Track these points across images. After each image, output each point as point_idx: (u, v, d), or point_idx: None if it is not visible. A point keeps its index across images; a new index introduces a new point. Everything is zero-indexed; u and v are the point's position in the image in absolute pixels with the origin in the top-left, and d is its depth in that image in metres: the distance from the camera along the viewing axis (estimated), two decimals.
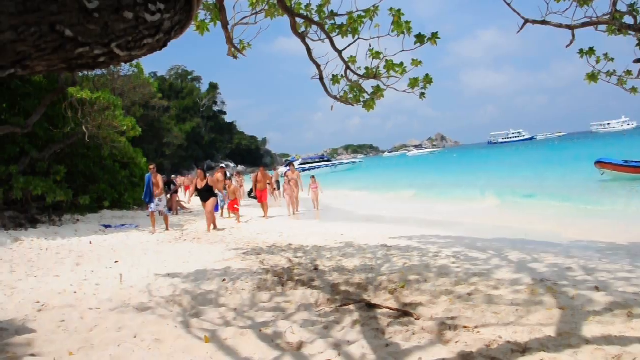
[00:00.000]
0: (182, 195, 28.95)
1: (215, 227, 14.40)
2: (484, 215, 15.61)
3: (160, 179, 14.44)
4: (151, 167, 14.58)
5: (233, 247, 10.63)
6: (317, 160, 79.92)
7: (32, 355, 4.34)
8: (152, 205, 14.45)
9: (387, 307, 5.06)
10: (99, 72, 26.79)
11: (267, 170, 36.72)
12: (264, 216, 17.55)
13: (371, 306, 5.16)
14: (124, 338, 4.68)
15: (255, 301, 5.83)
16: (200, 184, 14.51)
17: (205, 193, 14.41)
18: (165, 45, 1.62)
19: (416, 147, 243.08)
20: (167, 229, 14.64)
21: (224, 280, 7.08)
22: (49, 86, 17.33)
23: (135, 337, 4.71)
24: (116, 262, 9.43)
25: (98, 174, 19.00)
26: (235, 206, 17.04)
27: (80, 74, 21.14)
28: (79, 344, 4.59)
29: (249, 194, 18.45)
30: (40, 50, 1.22)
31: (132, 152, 20.90)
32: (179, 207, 22.36)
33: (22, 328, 5.19)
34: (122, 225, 16.09)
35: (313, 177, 20.72)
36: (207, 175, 14.72)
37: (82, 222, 15.79)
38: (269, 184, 19.26)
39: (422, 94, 6.92)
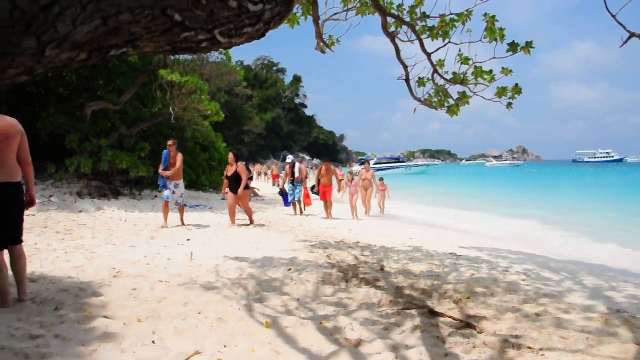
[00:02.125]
0: (254, 182, 29.50)
1: (233, 223, 12.68)
2: (559, 234, 15.00)
3: (179, 158, 11.87)
4: (170, 143, 11.92)
5: (301, 239, 10.76)
6: (392, 160, 79.36)
7: (105, 317, 4.61)
8: (166, 192, 11.80)
9: (450, 317, 4.99)
10: (189, 56, 27.75)
11: (341, 167, 36.71)
12: (326, 217, 15.79)
13: (434, 313, 5.11)
14: (189, 313, 4.87)
15: (319, 294, 5.89)
16: (230, 170, 12.70)
17: (233, 182, 12.61)
18: (263, 35, 1.69)
19: (495, 157, 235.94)
20: (181, 222, 12.12)
21: (289, 269, 7.19)
22: (142, 67, 18.08)
23: (199, 313, 4.89)
24: (188, 239, 9.77)
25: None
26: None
27: (172, 57, 21.97)
28: (147, 312, 4.83)
29: (312, 189, 17.11)
30: (150, 32, 1.31)
31: (213, 136, 21.54)
32: (252, 194, 22.90)
33: (97, 290, 5.51)
34: (197, 205, 16.65)
35: (382, 179, 19.55)
36: (239, 162, 12.73)
37: (160, 198, 16.47)
38: (340, 180, 18.97)
39: (509, 104, 6.75)
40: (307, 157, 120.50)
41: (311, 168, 41.40)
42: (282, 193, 17.57)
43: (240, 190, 12.45)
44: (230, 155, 12.86)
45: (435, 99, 7.76)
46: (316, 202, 19.01)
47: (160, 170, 11.78)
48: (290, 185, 16.51)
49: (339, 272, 7.14)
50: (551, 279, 7.21)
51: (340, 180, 19.20)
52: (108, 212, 13.20)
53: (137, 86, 16.54)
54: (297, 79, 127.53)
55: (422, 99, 7.73)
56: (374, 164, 71.89)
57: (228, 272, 6.87)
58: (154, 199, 16.14)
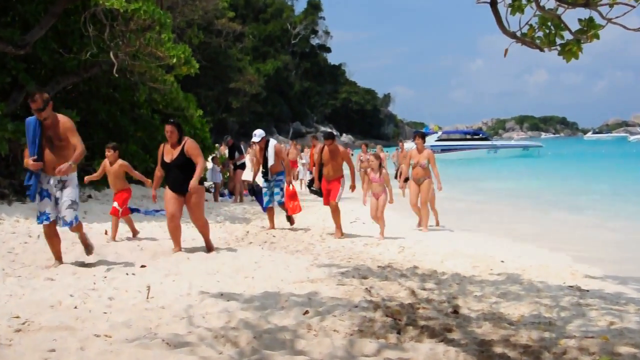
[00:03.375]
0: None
1: (178, 247, 11.63)
2: None
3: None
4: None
5: (325, 262, 10.69)
6: (468, 136, 78.69)
7: None
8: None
9: None
10: None
11: (379, 148, 36.43)
12: (339, 236, 14.50)
13: None
14: None
15: (354, 352, 5.77)
16: (170, 153, 11.39)
17: (177, 173, 11.29)
18: None
19: None
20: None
21: (306, 312, 7.09)
22: None
23: None
24: (142, 266, 9.73)
25: (127, 128, 19.64)
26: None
27: None
28: None
29: (309, 186, 16.08)
30: None
31: (182, 100, 21.55)
32: (245, 191, 22.88)
33: None
34: (157, 211, 16.65)
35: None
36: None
37: (96, 200, 16.49)
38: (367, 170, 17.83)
39: None
40: (335, 132, 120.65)
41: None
42: (253, 190, 17.15)
43: (192, 185, 10.91)
44: (169, 127, 11.27)
45: (541, 34, 7.62)
46: (315, 206, 18.84)
47: (28, 160, 9.27)
48: (264, 179, 15.54)
49: (387, 316, 7.02)
50: None
51: (366, 169, 18.59)
52: (7, 224, 13.20)
53: (55, 17, 16.27)
54: (314, 6, 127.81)
55: (518, 33, 7.57)
56: (436, 140, 71.47)
57: (208, 317, 6.78)
58: (86, 201, 16.17)
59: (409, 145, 29.71)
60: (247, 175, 23.20)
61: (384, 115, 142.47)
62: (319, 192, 15.23)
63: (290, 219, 15.82)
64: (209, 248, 11.65)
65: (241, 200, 21.70)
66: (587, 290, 8.96)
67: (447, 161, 59.55)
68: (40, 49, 16.78)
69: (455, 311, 7.44)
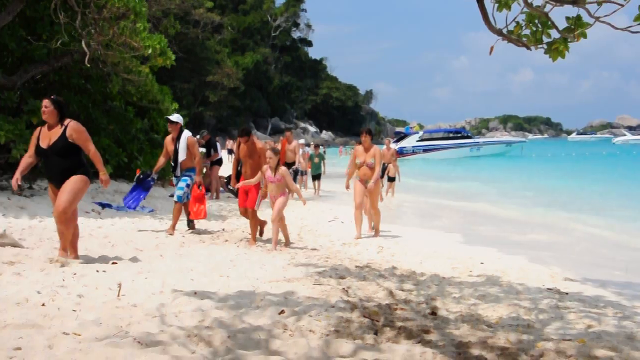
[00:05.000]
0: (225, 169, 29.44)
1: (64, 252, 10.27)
2: None
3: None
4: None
5: (302, 262, 10.71)
6: (451, 134, 79.06)
7: None
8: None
9: None
10: None
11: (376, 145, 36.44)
12: (252, 244, 13.00)
13: None
14: None
15: (330, 353, 5.79)
16: (46, 138, 9.48)
17: (55, 164, 9.57)
18: None
19: (632, 129, 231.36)
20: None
21: (282, 312, 7.10)
22: None
23: None
24: (114, 263, 9.72)
25: (99, 120, 19.43)
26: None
27: None
28: None
29: (227, 184, 15.63)
30: None
31: (157, 92, 21.45)
32: (222, 188, 22.86)
33: None
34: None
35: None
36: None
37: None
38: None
39: None
40: (312, 129, 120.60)
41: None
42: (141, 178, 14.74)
43: (104, 179, 9.71)
44: (46, 102, 9.54)
45: (527, 31, 7.65)
46: (291, 204, 18.88)
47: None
48: (172, 173, 14.73)
49: (364, 316, 7.05)
50: None
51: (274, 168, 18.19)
52: None
53: (23, 2, 15.97)
54: None
55: (504, 30, 7.60)
56: (418, 140, 71.75)
57: (181, 316, 6.77)
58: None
59: (393, 145, 29.74)
60: (223, 171, 23.21)
61: (366, 113, 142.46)
62: (234, 192, 14.63)
63: (191, 222, 14.41)
64: (72, 251, 9.92)
65: (217, 197, 21.61)
66: (566, 293, 9.02)
67: (429, 161, 59.77)
68: (7, 35, 16.54)
69: (433, 312, 7.48)
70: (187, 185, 13.89)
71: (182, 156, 13.87)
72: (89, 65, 16.01)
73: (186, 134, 14.02)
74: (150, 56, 17.80)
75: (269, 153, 12.56)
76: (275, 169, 12.54)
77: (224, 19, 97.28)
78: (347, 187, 15.23)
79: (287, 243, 12.91)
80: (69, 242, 9.75)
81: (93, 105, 19.47)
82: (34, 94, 17.11)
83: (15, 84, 16.22)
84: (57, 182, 9.41)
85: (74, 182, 9.29)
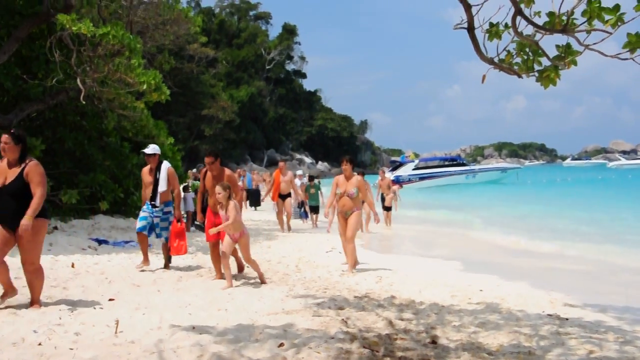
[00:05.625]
0: None
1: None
2: None
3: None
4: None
5: (300, 293, 10.68)
6: (446, 162, 79.41)
7: None
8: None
9: None
10: None
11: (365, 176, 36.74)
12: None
13: None
14: None
15: None
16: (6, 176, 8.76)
17: (8, 202, 8.73)
18: None
19: (625, 154, 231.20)
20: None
21: (281, 344, 7.08)
22: (26, 8, 17.67)
23: None
24: (111, 299, 9.67)
25: (95, 156, 19.43)
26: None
27: None
28: None
29: (193, 218, 14.20)
30: None
31: (153, 127, 21.45)
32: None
33: None
34: (126, 242, 16.51)
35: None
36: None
37: (63, 231, 16.31)
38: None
39: None
40: (308, 160, 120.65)
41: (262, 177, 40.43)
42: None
43: (24, 223, 8.45)
44: (5, 138, 8.68)
45: (518, 60, 7.67)
46: (290, 235, 18.77)
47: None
48: (149, 205, 13.44)
49: (364, 347, 7.04)
50: None
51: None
52: None
53: (18, 41, 16.11)
54: (289, 31, 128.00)
55: (495, 59, 7.63)
56: (414, 168, 71.98)
57: (179, 352, 6.76)
58: (52, 233, 16.03)
59: (389, 174, 29.63)
60: None
61: (361, 142, 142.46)
62: (202, 227, 12.96)
63: (169, 260, 13.54)
64: (33, 302, 9.04)
65: None
66: (567, 319, 8.98)
67: (425, 189, 59.83)
68: (3, 75, 16.65)
69: (434, 341, 7.45)
70: (170, 223, 13.29)
71: (162, 187, 13.30)
72: (84, 102, 16.11)
73: (166, 164, 13.56)
74: (145, 92, 17.62)
75: (217, 188, 11.43)
76: (226, 206, 11.41)
77: (218, 53, 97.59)
78: (326, 214, 14.75)
79: (262, 279, 11.94)
80: (35, 289, 9.05)
81: (89, 142, 19.45)
82: (29, 132, 17.07)
83: (11, 123, 16.08)
84: (9, 224, 8.56)
85: (31, 234, 8.44)
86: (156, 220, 13.14)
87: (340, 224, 14.00)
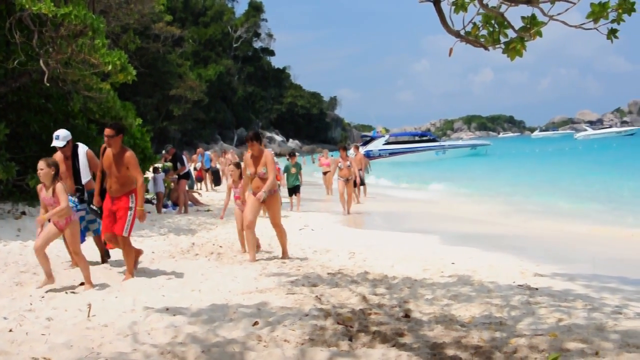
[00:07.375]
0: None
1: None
2: None
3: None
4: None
5: (274, 272, 10.69)
6: (416, 138, 79.61)
7: None
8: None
9: None
10: None
11: (330, 153, 36.83)
12: (127, 278, 10.42)
13: None
14: None
15: None
16: None
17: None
18: None
19: (592, 124, 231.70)
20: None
21: (255, 323, 7.11)
22: None
23: None
24: (82, 283, 9.62)
25: None
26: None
27: None
28: None
29: (88, 202, 11.37)
30: None
31: (120, 109, 21.26)
32: (190, 202, 22.76)
33: None
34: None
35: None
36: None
37: (31, 216, 16.15)
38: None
39: (612, 32, 6.68)
40: (279, 138, 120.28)
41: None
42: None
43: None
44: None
45: (484, 32, 7.69)
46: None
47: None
48: (75, 200, 10.90)
49: (338, 323, 7.08)
50: None
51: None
52: None
53: None
54: (255, 8, 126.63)
55: (462, 32, 7.65)
56: (383, 144, 72.11)
57: (153, 334, 6.77)
58: (20, 218, 15.87)
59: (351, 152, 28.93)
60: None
61: (331, 119, 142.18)
62: (99, 212, 11.05)
63: (107, 254, 11.94)
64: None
65: (186, 211, 21.47)
66: (536, 289, 9.09)
67: (395, 164, 60.05)
68: None
69: (407, 315, 7.52)
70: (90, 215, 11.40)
71: (85, 176, 11.50)
72: (48, 85, 15.79)
73: (83, 148, 11.66)
74: (110, 72, 17.32)
75: (40, 164, 9.24)
76: (51, 187, 9.22)
77: (184, 32, 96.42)
78: (244, 202, 12.97)
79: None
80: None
81: (54, 125, 19.14)
82: None
83: None
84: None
85: None
86: (81, 214, 10.99)
87: (250, 208, 12.33)
